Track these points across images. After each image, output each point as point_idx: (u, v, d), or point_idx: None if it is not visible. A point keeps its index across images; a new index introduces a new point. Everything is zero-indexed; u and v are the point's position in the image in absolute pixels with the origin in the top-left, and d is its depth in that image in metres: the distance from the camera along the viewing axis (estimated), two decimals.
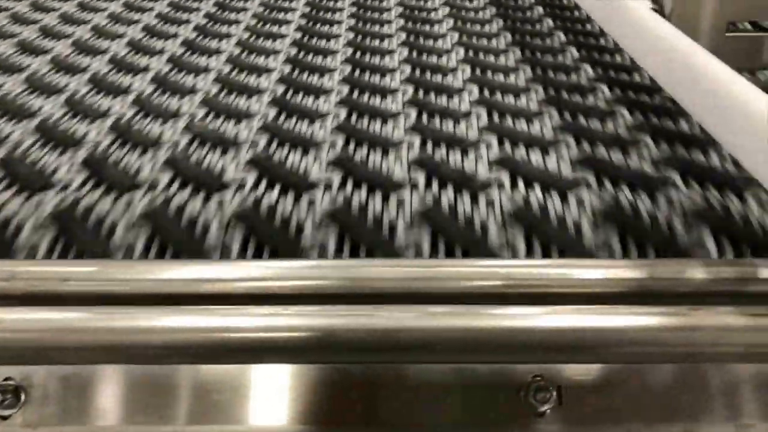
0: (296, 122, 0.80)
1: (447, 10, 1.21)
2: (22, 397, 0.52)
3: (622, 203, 0.63)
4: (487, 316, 0.52)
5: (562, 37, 1.08)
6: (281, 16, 1.18)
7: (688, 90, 0.67)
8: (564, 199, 0.64)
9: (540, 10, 1.21)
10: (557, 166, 0.69)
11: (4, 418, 0.51)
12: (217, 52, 1.01)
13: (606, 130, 0.77)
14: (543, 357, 0.53)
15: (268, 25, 1.13)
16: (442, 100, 0.87)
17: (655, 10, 0.97)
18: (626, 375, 0.54)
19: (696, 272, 0.54)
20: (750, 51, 0.89)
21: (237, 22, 1.15)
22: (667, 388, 0.54)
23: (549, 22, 1.15)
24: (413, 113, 0.82)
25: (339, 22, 1.15)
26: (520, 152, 0.72)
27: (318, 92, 0.88)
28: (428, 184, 0.66)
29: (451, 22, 1.15)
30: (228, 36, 1.08)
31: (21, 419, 0.52)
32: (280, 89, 0.89)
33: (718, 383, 0.54)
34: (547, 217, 0.62)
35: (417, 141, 0.75)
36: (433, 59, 1.00)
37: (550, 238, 0.59)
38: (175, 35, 1.08)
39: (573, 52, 1.02)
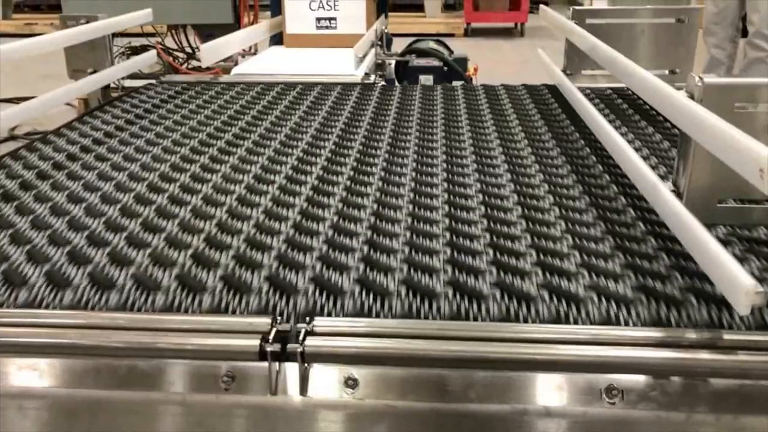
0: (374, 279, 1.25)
1: (546, 187, 1.68)
2: (357, 385, 1.11)
3: None
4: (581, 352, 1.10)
5: (633, 213, 1.53)
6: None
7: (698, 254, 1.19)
8: None
9: (615, 188, 1.67)
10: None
11: (348, 394, 1.10)
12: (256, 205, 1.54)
13: (666, 291, 1.20)
14: (609, 370, 1.09)
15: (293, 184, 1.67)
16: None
17: (673, 191, 1.42)
18: (656, 385, 1.08)
19: (677, 333, 1.11)
20: (737, 216, 1.46)
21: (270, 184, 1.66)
22: (677, 393, 1.08)
23: (622, 199, 1.60)
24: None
25: (437, 208, 1.61)
26: (613, 308, 1.16)
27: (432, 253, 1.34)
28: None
29: (551, 198, 1.61)
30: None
31: (357, 394, 1.11)
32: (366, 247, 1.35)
33: (702, 392, 1.08)
34: None
35: None
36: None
37: None
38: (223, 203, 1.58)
39: (641, 225, 1.46)
